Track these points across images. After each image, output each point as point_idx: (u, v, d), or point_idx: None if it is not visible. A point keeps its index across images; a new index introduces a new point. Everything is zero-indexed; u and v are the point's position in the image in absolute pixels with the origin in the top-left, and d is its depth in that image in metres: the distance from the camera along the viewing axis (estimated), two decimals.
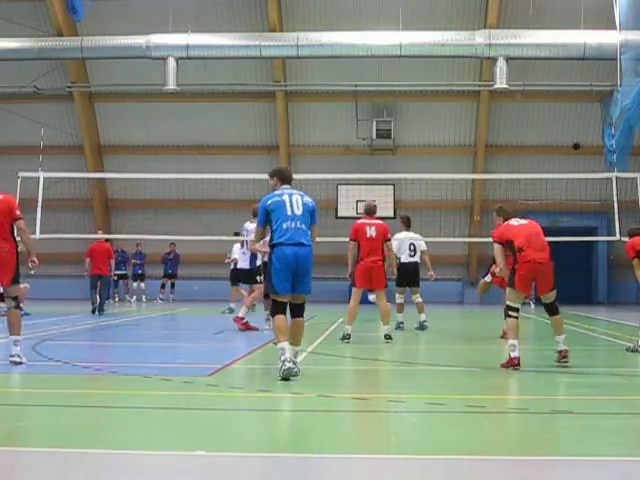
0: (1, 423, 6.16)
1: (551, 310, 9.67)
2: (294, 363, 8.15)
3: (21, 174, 18.49)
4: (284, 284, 8.30)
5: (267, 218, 8.46)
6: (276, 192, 8.58)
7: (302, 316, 8.58)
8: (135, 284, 27.06)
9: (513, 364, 9.13)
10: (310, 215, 8.48)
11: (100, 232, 23.22)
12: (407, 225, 15.46)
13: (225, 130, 27.17)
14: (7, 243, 9.19)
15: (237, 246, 17.92)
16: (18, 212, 9.29)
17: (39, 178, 19.07)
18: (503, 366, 9.23)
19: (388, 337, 12.29)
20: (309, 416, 6.80)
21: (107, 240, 25.93)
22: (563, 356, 9.48)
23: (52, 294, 24.69)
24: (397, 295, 14.88)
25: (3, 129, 27.48)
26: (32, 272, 9.99)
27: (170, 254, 26.58)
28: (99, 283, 19.43)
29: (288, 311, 8.52)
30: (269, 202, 8.45)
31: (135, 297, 26.84)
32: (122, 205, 28.28)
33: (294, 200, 8.42)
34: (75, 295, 21.79)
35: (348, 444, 5.63)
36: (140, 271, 26.99)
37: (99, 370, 8.98)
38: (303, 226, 8.37)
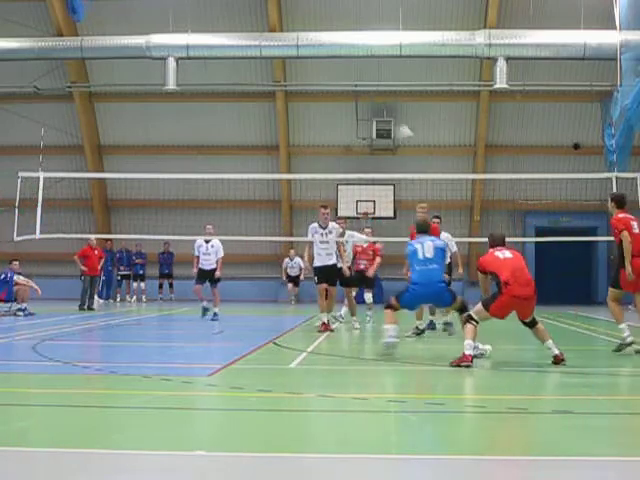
0: (1, 423, 6.15)
1: (530, 324, 9.70)
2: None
3: (21, 174, 18.43)
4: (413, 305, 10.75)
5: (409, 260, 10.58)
6: (412, 241, 10.82)
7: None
8: (135, 284, 27.14)
9: (467, 360, 9.08)
10: (442, 252, 10.57)
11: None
12: None
13: (225, 130, 27.15)
14: None
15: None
16: None
17: (39, 178, 19.02)
18: (453, 364, 9.16)
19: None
20: (309, 416, 6.80)
21: (107, 240, 26.28)
22: (560, 359, 9.42)
23: (52, 294, 24.62)
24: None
25: (3, 129, 27.46)
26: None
27: (164, 253, 26.74)
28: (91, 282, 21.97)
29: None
30: (409, 247, 10.63)
31: (135, 297, 26.90)
32: (122, 205, 28.26)
33: (426, 247, 10.37)
34: (75, 295, 21.76)
35: (348, 444, 5.62)
36: (141, 271, 27.06)
37: (99, 370, 8.98)
38: (434, 265, 10.21)
